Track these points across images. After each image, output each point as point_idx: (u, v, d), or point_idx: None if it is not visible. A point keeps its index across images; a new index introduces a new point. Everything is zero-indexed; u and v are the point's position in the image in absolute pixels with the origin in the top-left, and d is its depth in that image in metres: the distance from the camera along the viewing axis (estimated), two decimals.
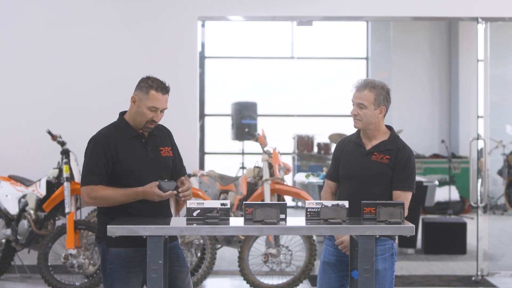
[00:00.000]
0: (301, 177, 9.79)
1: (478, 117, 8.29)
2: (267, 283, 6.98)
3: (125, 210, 4.11)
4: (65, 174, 6.92)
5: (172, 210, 6.70)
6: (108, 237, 3.94)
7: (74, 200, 6.89)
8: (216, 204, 3.95)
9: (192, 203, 3.95)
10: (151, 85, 4.12)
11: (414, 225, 3.92)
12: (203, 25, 11.42)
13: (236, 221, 4.08)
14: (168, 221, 4.13)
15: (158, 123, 4.23)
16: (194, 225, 3.88)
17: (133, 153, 4.14)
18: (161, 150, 4.22)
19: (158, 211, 4.18)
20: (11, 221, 7.26)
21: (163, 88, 4.14)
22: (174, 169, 4.29)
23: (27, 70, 7.76)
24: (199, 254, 7.21)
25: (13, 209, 7.24)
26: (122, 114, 4.26)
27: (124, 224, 3.90)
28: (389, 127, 4.38)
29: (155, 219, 4.09)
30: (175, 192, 4.06)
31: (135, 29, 7.81)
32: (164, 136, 4.30)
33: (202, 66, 12.37)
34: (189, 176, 7.32)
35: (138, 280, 4.14)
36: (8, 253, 7.40)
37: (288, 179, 11.05)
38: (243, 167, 11.80)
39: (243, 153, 12.05)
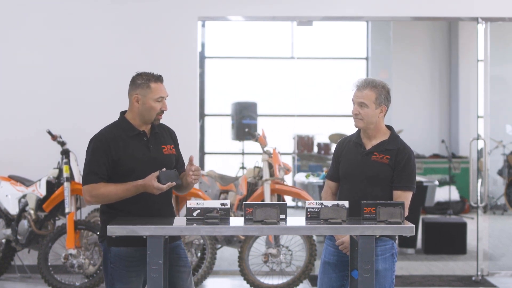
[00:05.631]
0: (301, 177, 9.78)
1: (478, 117, 8.28)
2: (267, 283, 6.98)
3: (126, 208, 4.11)
4: (65, 174, 6.92)
5: None
6: (109, 237, 3.94)
7: (74, 200, 6.89)
8: (216, 204, 3.95)
9: (192, 203, 3.95)
10: (149, 78, 4.18)
11: (414, 225, 3.92)
12: (203, 25, 11.42)
13: (236, 221, 4.07)
14: (169, 221, 4.13)
15: (161, 122, 4.26)
16: (194, 225, 3.88)
17: (135, 151, 4.15)
18: (163, 148, 4.24)
19: (161, 210, 4.17)
20: (11, 221, 7.26)
21: (159, 78, 4.22)
22: (177, 167, 4.30)
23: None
24: (199, 254, 7.21)
25: (13, 209, 7.24)
26: (123, 113, 4.28)
27: (124, 224, 3.90)
28: (389, 127, 4.38)
29: (156, 218, 4.09)
30: (174, 183, 4.06)
31: (135, 29, 7.80)
32: (166, 134, 4.32)
33: (202, 66, 12.37)
34: None
35: (139, 280, 4.15)
36: (8, 253, 7.40)
37: (288, 179, 11.04)
38: (243, 167, 11.79)
39: (243, 153, 12.04)
